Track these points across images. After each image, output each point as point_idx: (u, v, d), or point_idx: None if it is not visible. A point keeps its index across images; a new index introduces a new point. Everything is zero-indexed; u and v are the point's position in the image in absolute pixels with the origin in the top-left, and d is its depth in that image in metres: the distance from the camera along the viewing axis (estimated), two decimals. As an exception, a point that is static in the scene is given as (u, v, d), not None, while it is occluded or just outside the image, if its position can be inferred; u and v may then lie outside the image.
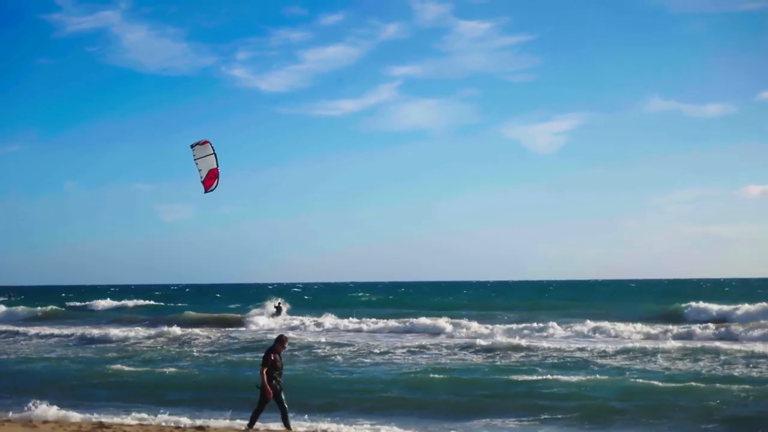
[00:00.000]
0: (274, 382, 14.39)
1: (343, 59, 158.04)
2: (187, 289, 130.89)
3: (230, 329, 41.55)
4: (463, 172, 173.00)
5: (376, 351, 28.78)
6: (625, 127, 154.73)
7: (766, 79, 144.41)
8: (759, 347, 27.70)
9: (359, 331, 40.81)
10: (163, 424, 16.05)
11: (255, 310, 50.35)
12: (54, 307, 62.37)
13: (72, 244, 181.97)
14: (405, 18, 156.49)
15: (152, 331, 37.54)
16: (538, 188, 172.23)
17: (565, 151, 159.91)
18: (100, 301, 71.09)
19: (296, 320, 45.49)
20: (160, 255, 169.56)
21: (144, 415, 16.77)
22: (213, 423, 16.02)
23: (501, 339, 31.43)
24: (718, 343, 28.99)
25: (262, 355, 14.97)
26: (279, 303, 48.17)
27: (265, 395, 14.42)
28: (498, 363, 25.50)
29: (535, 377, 21.57)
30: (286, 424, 14.68)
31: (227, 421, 16.30)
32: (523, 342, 29.90)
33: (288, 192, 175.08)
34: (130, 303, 69.28)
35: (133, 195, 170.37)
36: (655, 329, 35.99)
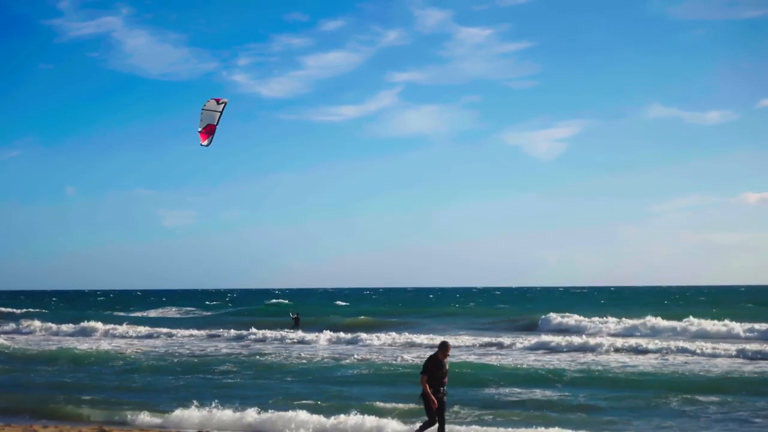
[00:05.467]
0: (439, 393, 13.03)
1: (345, 65, 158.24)
2: (164, 298, 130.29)
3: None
4: (464, 179, 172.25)
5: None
6: (626, 134, 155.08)
7: (767, 87, 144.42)
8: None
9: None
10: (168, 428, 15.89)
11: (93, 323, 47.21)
12: None
13: (72, 250, 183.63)
14: (406, 24, 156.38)
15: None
16: (539, 195, 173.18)
17: (566, 158, 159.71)
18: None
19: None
20: (161, 260, 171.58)
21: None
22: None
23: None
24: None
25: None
26: (296, 315, 46.84)
27: (430, 406, 13.01)
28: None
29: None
30: None
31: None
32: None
33: (289, 198, 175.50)
34: (32, 309, 69.83)
35: (133, 200, 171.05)
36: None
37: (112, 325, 45.76)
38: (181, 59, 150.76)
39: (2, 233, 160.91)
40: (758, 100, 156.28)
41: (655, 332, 38.78)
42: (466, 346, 32.55)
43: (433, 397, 12.88)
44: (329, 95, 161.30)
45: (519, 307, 71.13)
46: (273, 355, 29.15)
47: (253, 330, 40.19)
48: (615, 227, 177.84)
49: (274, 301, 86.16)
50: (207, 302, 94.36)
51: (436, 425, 13.18)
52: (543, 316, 47.08)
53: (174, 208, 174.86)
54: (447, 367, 13.17)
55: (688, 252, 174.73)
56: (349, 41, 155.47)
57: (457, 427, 14.74)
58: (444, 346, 13.32)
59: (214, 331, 41.80)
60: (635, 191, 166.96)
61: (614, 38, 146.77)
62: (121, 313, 63.14)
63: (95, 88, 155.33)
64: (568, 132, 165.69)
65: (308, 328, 41.78)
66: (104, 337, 41.89)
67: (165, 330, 43.26)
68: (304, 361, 27.25)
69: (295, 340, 36.55)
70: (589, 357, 27.92)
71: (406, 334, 37.15)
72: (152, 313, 69.17)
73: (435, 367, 13.04)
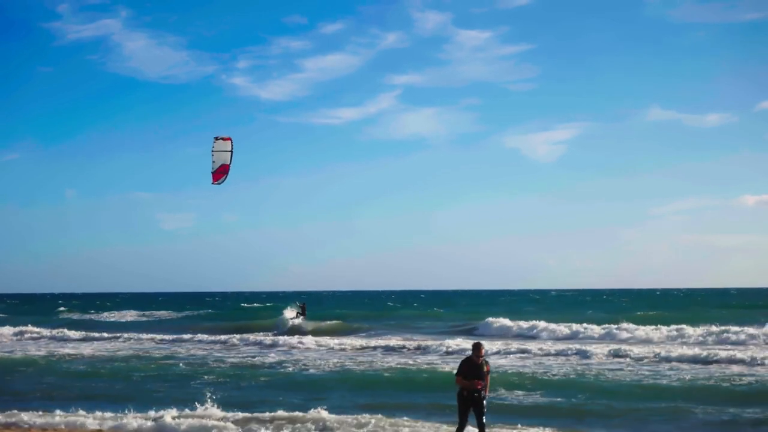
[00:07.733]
0: (465, 393, 12.87)
1: (344, 68, 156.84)
2: (133, 302, 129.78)
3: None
4: (463, 181, 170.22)
5: None
6: (625, 137, 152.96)
7: (766, 89, 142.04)
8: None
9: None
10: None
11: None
12: None
13: (71, 253, 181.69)
14: (405, 27, 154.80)
15: None
16: (538, 197, 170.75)
17: (565, 161, 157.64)
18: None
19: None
20: (161, 263, 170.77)
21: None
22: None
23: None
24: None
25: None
26: (303, 304, 46.79)
27: (463, 408, 12.96)
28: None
29: None
30: None
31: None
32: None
33: (288, 201, 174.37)
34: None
35: (132, 203, 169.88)
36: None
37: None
38: (180, 62, 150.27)
39: (1, 235, 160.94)
40: (757, 103, 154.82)
41: (597, 337, 37.88)
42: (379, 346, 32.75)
43: (465, 391, 12.77)
44: (328, 98, 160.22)
45: (500, 309, 69.33)
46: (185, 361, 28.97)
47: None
48: (614, 230, 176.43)
49: (245, 305, 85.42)
50: (188, 306, 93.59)
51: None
52: (483, 321, 46.68)
53: (173, 211, 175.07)
54: (485, 369, 12.94)
55: (687, 255, 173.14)
56: (348, 44, 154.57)
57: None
58: (476, 347, 13.04)
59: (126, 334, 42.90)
60: (634, 194, 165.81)
61: (613, 41, 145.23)
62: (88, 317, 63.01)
63: (94, 91, 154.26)
64: (567, 134, 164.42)
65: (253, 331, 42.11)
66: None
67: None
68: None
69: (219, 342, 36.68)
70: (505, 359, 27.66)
71: (351, 338, 37.50)
72: (113, 317, 68.40)
73: (469, 368, 12.90)
